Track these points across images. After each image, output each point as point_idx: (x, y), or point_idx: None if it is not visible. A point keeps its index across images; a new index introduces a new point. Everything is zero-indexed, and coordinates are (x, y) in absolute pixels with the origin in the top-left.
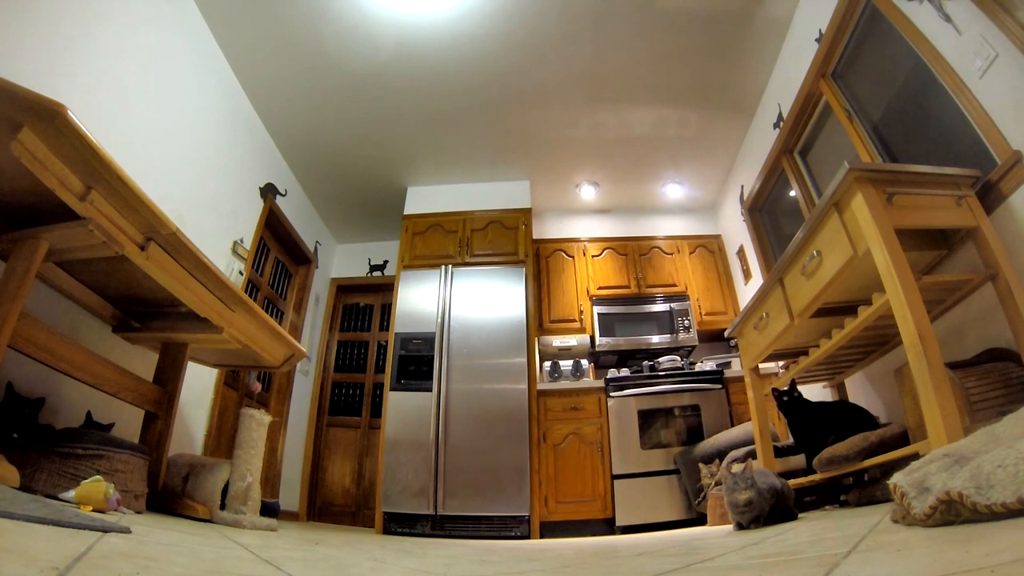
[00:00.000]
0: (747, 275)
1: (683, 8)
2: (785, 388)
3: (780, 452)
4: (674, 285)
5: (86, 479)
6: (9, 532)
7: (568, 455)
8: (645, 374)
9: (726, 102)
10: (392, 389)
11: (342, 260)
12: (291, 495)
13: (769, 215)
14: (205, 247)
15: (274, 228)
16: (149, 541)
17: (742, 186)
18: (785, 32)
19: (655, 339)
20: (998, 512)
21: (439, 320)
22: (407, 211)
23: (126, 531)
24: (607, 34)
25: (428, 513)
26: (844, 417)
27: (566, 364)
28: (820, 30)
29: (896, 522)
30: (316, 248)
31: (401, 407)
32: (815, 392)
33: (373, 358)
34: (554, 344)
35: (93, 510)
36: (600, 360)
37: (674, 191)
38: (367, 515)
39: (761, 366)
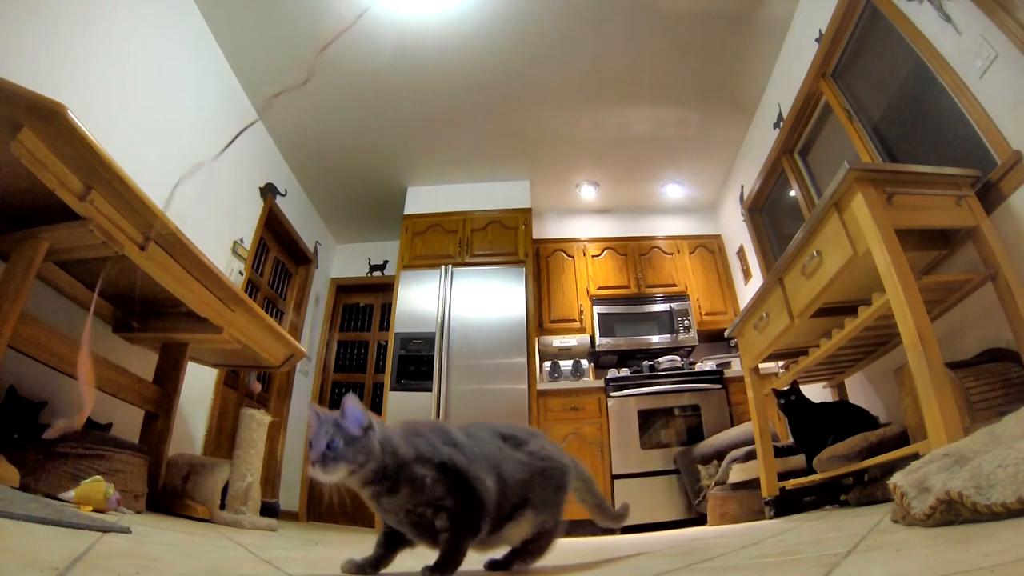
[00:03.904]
0: (747, 275)
1: (683, 8)
2: (786, 388)
3: (780, 452)
4: (674, 285)
5: (86, 479)
6: (9, 532)
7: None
8: (645, 374)
9: (726, 102)
10: (392, 389)
11: (342, 260)
12: (291, 495)
13: (769, 215)
14: (205, 247)
15: (274, 228)
16: (149, 541)
17: (742, 186)
18: (785, 32)
19: (655, 339)
20: (998, 512)
21: (439, 320)
22: (407, 211)
23: (126, 531)
24: (607, 34)
25: None
26: (844, 417)
27: (566, 364)
28: (820, 30)
29: (896, 522)
30: (316, 248)
31: (401, 407)
32: (815, 392)
33: (373, 358)
34: (554, 344)
35: (93, 510)
36: (600, 360)
37: (674, 191)
38: (367, 515)
39: (761, 366)
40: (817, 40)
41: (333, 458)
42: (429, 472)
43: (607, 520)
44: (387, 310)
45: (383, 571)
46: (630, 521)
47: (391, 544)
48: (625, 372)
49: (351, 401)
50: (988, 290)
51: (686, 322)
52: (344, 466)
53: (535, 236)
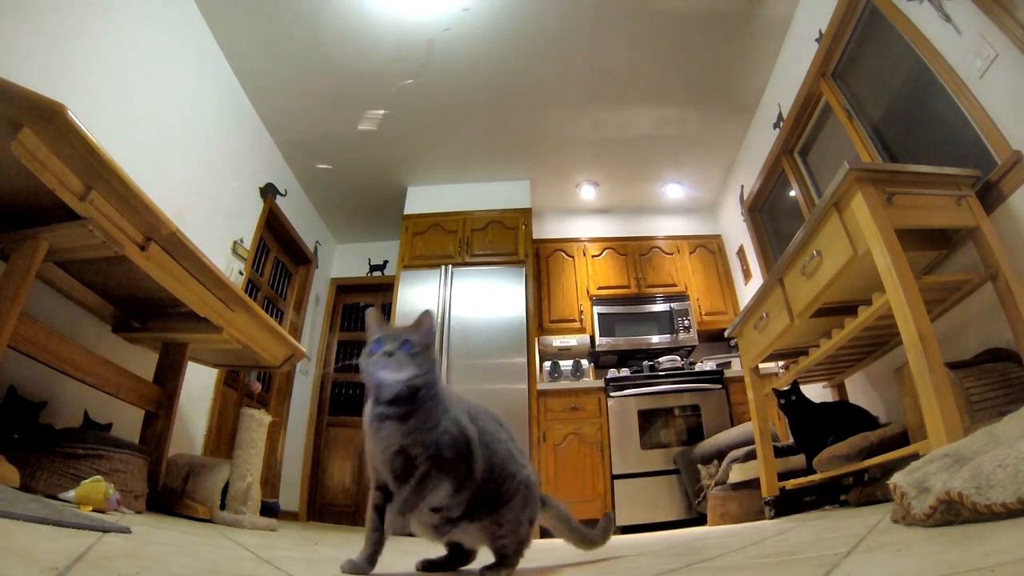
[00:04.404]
0: (747, 275)
1: (683, 8)
2: (786, 388)
3: (780, 452)
4: (674, 285)
5: (86, 479)
6: (9, 532)
7: (568, 455)
8: (645, 374)
9: (726, 102)
10: None
11: (342, 260)
12: (291, 495)
13: (769, 215)
14: (205, 247)
15: (274, 228)
16: (149, 541)
17: (742, 186)
18: (785, 32)
19: (655, 339)
20: (998, 512)
21: (439, 320)
22: (407, 211)
23: (126, 531)
24: (607, 34)
25: None
26: (844, 417)
27: (566, 364)
28: (820, 30)
29: (896, 522)
30: (316, 248)
31: None
32: (815, 392)
33: None
34: (554, 344)
35: (93, 510)
36: (600, 360)
37: (674, 191)
38: None
39: (761, 366)
40: (817, 40)
41: (409, 355)
42: (444, 422)
43: (592, 545)
44: (387, 310)
45: (382, 571)
46: (630, 521)
47: (383, 524)
48: (625, 372)
49: (430, 317)
50: (988, 290)
51: (686, 322)
52: (413, 368)
53: (535, 236)
